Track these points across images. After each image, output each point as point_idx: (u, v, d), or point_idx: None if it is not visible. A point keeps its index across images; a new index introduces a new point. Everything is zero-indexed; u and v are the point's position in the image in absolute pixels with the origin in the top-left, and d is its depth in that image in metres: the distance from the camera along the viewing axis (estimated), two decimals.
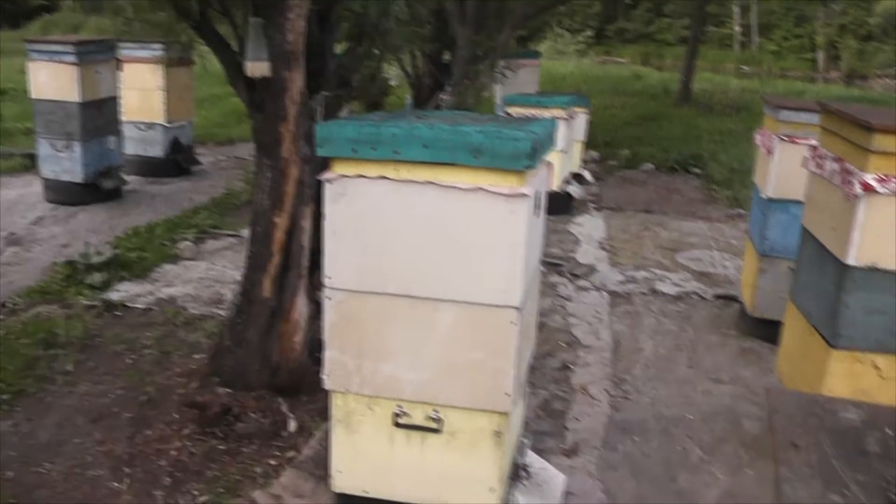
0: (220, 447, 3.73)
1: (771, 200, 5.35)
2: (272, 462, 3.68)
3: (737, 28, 30.64)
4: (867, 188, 3.50)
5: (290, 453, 3.74)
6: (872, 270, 3.63)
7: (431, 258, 2.81)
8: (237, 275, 6.02)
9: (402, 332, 2.90)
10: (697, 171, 11.48)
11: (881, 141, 3.46)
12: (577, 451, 4.00)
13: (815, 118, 5.11)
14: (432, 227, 2.78)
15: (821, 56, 27.99)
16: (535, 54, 13.22)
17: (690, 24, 17.70)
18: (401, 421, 3.00)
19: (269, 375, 4.07)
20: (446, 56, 9.20)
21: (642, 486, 3.75)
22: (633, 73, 21.24)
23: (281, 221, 3.84)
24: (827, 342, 3.80)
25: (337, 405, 3.05)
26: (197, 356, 4.59)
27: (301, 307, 4.07)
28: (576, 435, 4.15)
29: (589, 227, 8.44)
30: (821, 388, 3.79)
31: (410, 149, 2.70)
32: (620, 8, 31.79)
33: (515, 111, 8.40)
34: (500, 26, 9.01)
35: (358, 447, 3.07)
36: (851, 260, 3.62)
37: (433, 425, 2.98)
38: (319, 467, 3.60)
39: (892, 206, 3.54)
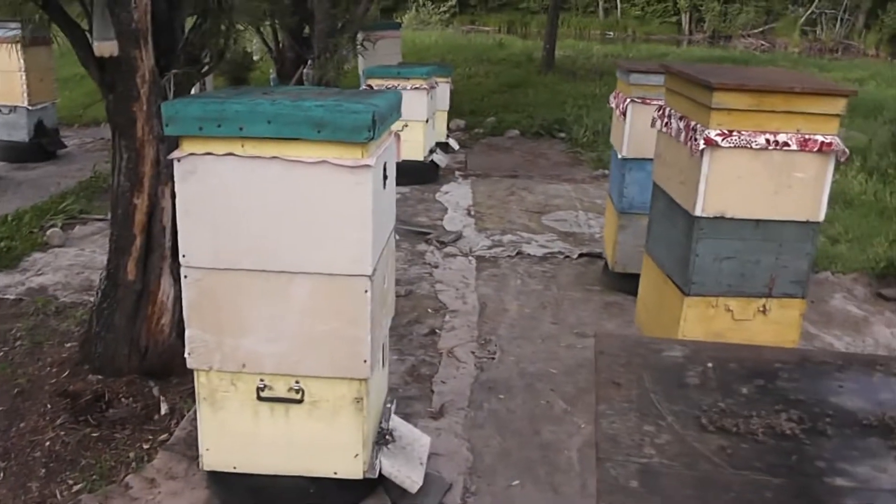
0: (94, 434, 3.68)
1: (626, 160, 5.56)
2: (145, 446, 3.65)
3: None
4: (710, 143, 3.68)
5: (163, 436, 3.72)
6: (719, 219, 3.84)
7: (282, 232, 2.83)
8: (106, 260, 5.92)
9: (259, 307, 2.92)
10: (562, 135, 11.74)
11: (720, 98, 3.64)
12: (443, 413, 4.10)
13: (663, 80, 5.35)
14: (281, 201, 2.80)
15: (685, 19, 28.80)
16: (397, 25, 13.22)
17: None
18: (264, 394, 3.03)
19: (138, 359, 4.02)
20: (306, 30, 9.11)
21: (507, 441, 3.88)
22: (497, 42, 21.41)
23: (141, 203, 3.79)
24: (680, 290, 4.01)
25: (201, 383, 3.05)
26: (69, 345, 4.47)
27: (167, 288, 4.03)
28: (442, 397, 4.25)
29: (456, 195, 8.53)
30: (677, 333, 4.00)
31: (255, 125, 2.71)
32: None
33: (376, 83, 8.40)
34: None
35: (224, 424, 3.08)
36: (699, 211, 3.81)
37: (295, 396, 3.01)
38: (192, 448, 3.58)
39: (733, 159, 3.74)
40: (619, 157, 5.58)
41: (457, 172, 9.54)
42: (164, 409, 3.88)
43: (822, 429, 1.64)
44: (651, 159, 5.45)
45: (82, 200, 7.37)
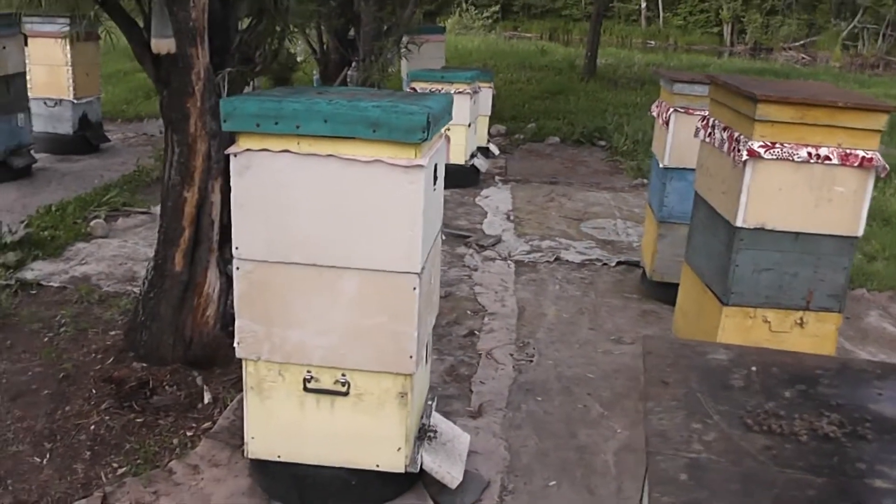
0: (138, 420, 3.79)
1: (667, 169, 5.59)
2: (188, 433, 3.75)
3: (643, 3, 31.14)
4: (753, 154, 3.72)
5: (206, 424, 3.82)
6: (760, 231, 3.87)
7: (334, 228, 2.91)
8: (150, 252, 5.99)
9: (309, 300, 3.00)
10: (602, 143, 11.77)
11: (764, 110, 3.68)
12: (482, 413, 4.16)
13: (707, 90, 5.38)
14: (334, 198, 2.88)
15: (726, 30, 28.67)
16: (441, 30, 13.31)
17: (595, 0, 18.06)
18: (310, 386, 3.11)
19: (183, 349, 4.13)
20: (351, 32, 9.22)
21: (544, 443, 3.93)
22: (539, 49, 21.45)
23: (190, 196, 3.89)
24: (719, 299, 4.05)
25: (249, 372, 3.14)
26: (112, 332, 4.60)
27: (213, 281, 4.13)
28: (481, 397, 4.31)
29: (495, 199, 8.60)
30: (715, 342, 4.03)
31: (311, 123, 2.79)
32: None
33: (420, 86, 8.50)
34: (404, 2, 9.09)
35: (271, 413, 3.17)
36: (740, 221, 3.85)
37: (341, 389, 3.09)
38: (235, 437, 3.70)
39: (775, 171, 3.78)
40: (661, 165, 5.61)
41: (497, 177, 9.60)
42: (207, 398, 3.98)
43: (863, 433, 1.68)
44: (692, 169, 5.49)
45: (125, 193, 7.53)
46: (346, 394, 3.10)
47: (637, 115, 12.89)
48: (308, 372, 3.10)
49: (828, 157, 3.77)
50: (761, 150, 3.73)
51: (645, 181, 9.59)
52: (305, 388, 3.11)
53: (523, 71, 17.20)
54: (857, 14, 23.37)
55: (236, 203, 2.93)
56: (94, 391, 3.97)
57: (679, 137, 5.51)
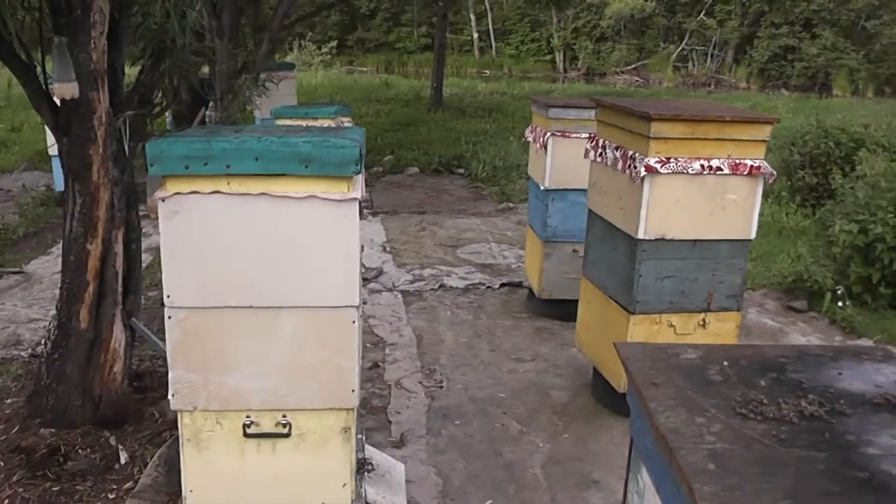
0: (54, 489, 3.56)
1: (549, 191, 5.79)
2: (111, 496, 3.56)
3: (475, 34, 32.06)
4: (650, 170, 3.93)
5: (127, 485, 3.63)
6: (660, 241, 4.08)
7: (270, 268, 2.86)
8: (30, 312, 5.72)
9: (246, 343, 2.93)
10: (461, 170, 12.00)
11: (658, 127, 3.90)
12: (404, 442, 4.17)
13: (583, 113, 5.65)
14: (268, 237, 2.84)
15: (559, 57, 29.90)
16: (291, 66, 13.23)
17: (434, 32, 18.32)
18: (250, 431, 3.02)
19: (92, 410, 3.92)
20: (202, 71, 9.01)
21: (472, 465, 3.97)
22: (384, 81, 21.73)
23: (94, 248, 3.72)
24: (625, 309, 4.22)
25: (185, 424, 3.02)
26: (9, 400, 4.29)
27: (118, 336, 3.96)
28: (400, 427, 4.32)
29: (368, 232, 8.56)
30: None
31: (242, 162, 2.75)
32: (359, 18, 32.41)
33: (285, 123, 8.41)
34: (258, 39, 9.00)
35: (209, 463, 3.06)
36: (642, 234, 4.05)
37: (283, 430, 3.03)
38: (160, 493, 3.54)
39: (671, 184, 4.01)
40: (542, 188, 5.79)
41: (364, 210, 9.57)
42: (123, 458, 3.79)
43: (841, 409, 1.82)
44: (574, 189, 5.75)
45: None
46: (287, 435, 3.04)
47: (490, 141, 13.24)
48: (247, 417, 3.02)
49: (719, 168, 4.03)
50: (657, 166, 3.95)
51: (510, 205, 9.89)
52: (245, 434, 3.03)
53: (371, 104, 17.34)
54: (685, 38, 24.91)
55: (166, 249, 2.84)
56: (1, 464, 3.70)
57: (558, 160, 5.72)
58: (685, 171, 4.00)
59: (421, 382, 4.85)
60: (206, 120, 8.42)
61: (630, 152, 4.10)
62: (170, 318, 2.91)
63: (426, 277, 7.00)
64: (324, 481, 3.10)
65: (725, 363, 2.07)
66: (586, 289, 4.74)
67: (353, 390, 2.99)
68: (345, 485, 3.11)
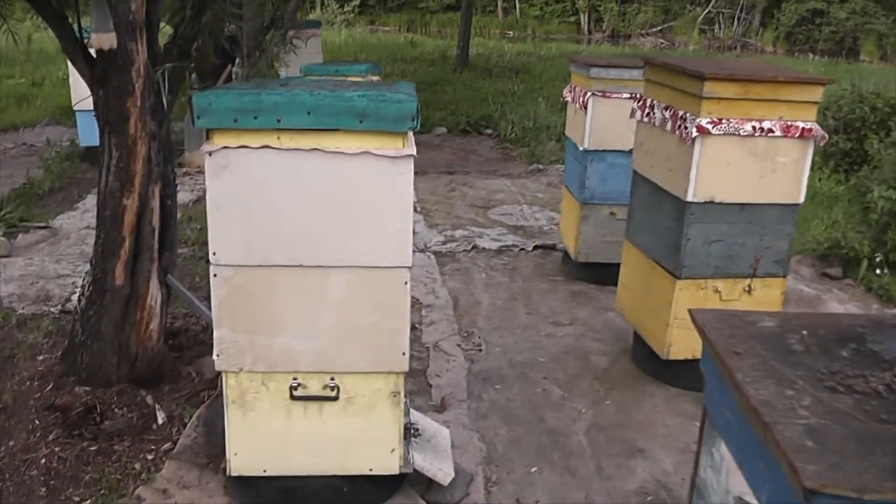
0: (92, 448, 3.52)
1: (587, 152, 5.65)
2: (149, 456, 3.51)
3: None
4: (702, 130, 3.80)
5: (166, 445, 3.59)
6: (709, 204, 3.97)
7: (320, 226, 2.78)
8: (59, 268, 5.67)
9: (295, 304, 2.86)
10: (489, 131, 11.85)
11: (711, 87, 3.77)
12: (446, 406, 4.10)
13: (625, 73, 5.50)
14: (318, 194, 2.75)
15: (583, 19, 29.43)
16: (317, 24, 13.05)
17: None
18: (297, 393, 2.96)
19: (128, 368, 3.86)
20: (228, 28, 8.86)
21: (515, 430, 3.91)
22: (409, 41, 21.44)
23: (130, 203, 3.63)
24: (671, 273, 4.12)
25: (230, 385, 2.96)
26: (41, 357, 4.25)
27: (154, 293, 3.89)
28: (441, 391, 4.25)
29: None
30: (668, 316, 4.12)
31: (294, 116, 2.65)
32: None
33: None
34: None
35: (254, 426, 3.00)
36: (690, 196, 3.93)
37: (330, 393, 2.97)
38: (200, 455, 3.50)
39: (722, 146, 3.88)
40: (581, 149, 5.66)
41: None
42: (160, 417, 3.74)
43: None
44: (613, 151, 5.61)
45: (21, 208, 6.99)
46: (335, 398, 2.98)
47: (518, 102, 13.04)
48: (294, 379, 2.95)
49: (771, 130, 3.90)
50: (709, 127, 3.82)
51: (540, 166, 9.74)
52: (292, 397, 2.97)
53: (396, 63, 17.12)
54: (711, 0, 24.49)
55: (213, 205, 2.75)
56: (37, 422, 3.66)
57: (598, 120, 5.58)
58: (737, 132, 3.87)
59: (459, 345, 4.77)
60: (233, 77, 8.28)
61: (680, 112, 3.97)
62: (215, 276, 2.83)
63: (458, 238, 6.91)
64: (371, 446, 3.04)
65: (804, 332, 1.97)
66: (629, 252, 4.63)
67: (403, 353, 2.92)
68: (393, 450, 3.05)
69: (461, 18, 17.69)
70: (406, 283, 2.85)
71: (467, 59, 16.83)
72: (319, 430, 3.01)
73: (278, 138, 2.69)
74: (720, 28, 24.66)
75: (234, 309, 2.86)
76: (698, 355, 4.34)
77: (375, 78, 9.67)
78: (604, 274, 5.86)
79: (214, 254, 2.81)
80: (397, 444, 3.05)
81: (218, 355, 2.92)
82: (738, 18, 24.50)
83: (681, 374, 4.32)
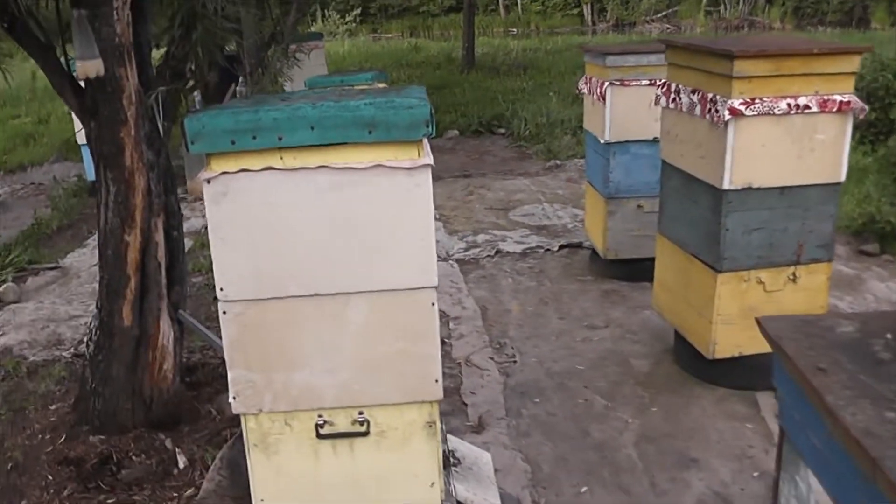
0: (110, 501, 3.30)
1: (609, 144, 5.40)
2: None
3: None
4: (735, 113, 3.55)
5: (189, 491, 3.38)
6: (747, 191, 3.72)
7: (335, 250, 2.54)
8: (70, 309, 5.48)
9: (313, 336, 2.62)
10: (502, 130, 11.60)
11: (742, 66, 3.53)
12: (483, 426, 3.88)
13: (643, 59, 5.25)
14: (331, 215, 2.51)
15: (587, 10, 29.06)
16: (319, 36, 12.85)
17: None
18: (324, 431, 2.73)
19: (143, 412, 3.66)
20: (228, 47, 8.68)
21: (559, 447, 3.67)
22: (412, 46, 21.20)
23: (133, 239, 3.42)
24: (711, 267, 3.87)
25: (250, 428, 2.73)
26: (53, 407, 4.05)
27: (166, 331, 3.68)
28: (477, 409, 4.02)
29: None
30: (711, 312, 3.87)
31: (296, 132, 2.41)
32: None
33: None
34: (284, 10, 8.64)
35: (280, 469, 2.77)
36: (727, 184, 3.68)
37: (360, 429, 2.73)
38: (225, 499, 3.27)
39: (757, 127, 3.63)
40: (602, 142, 5.41)
41: None
42: (181, 462, 3.53)
43: None
44: (636, 141, 5.37)
45: (30, 250, 6.79)
46: (366, 433, 2.73)
47: (528, 99, 12.77)
48: (319, 416, 2.71)
49: (807, 106, 3.65)
50: (742, 108, 3.58)
51: (558, 162, 9.49)
52: (318, 435, 2.73)
53: (402, 69, 16.90)
54: None
55: (216, 236, 2.52)
56: (50, 477, 3.45)
57: (618, 111, 5.33)
58: (771, 111, 3.62)
59: (492, 358, 4.53)
60: (237, 96, 8.09)
61: (710, 95, 3.72)
62: (224, 313, 2.60)
63: (480, 244, 6.67)
64: (409, 482, 2.80)
65: (889, 336, 1.73)
66: (663, 247, 4.38)
67: (436, 380, 2.67)
68: (433, 484, 2.81)
69: (464, 19, 17.44)
70: (433, 304, 2.61)
71: (473, 59, 16.58)
72: (351, 469, 2.78)
73: (281, 158, 2.46)
74: (726, 8, 24.24)
75: (248, 347, 2.63)
76: (745, 352, 4.12)
77: (382, 85, 9.47)
78: (635, 270, 5.61)
79: (222, 289, 2.58)
80: (437, 478, 2.81)
81: (234, 398, 2.69)
82: None
83: (727, 373, 4.07)
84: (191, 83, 3.70)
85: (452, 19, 30.34)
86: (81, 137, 7.64)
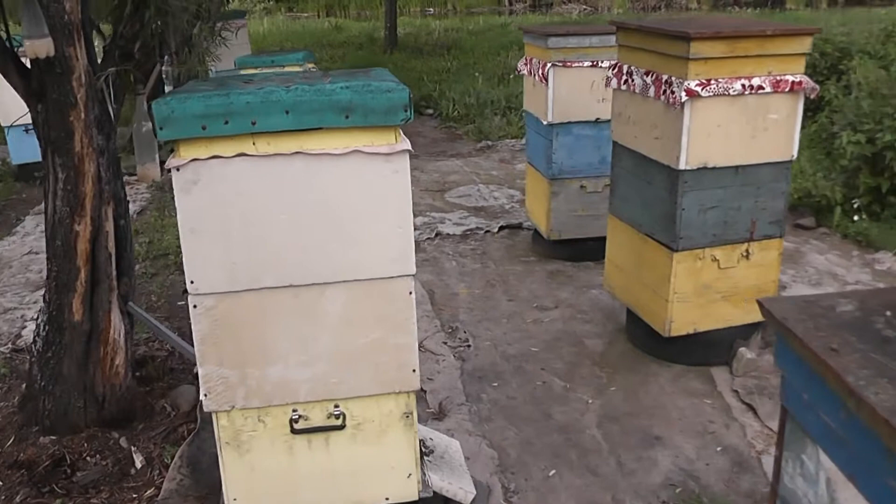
0: None
1: (552, 126, 5.40)
2: None
3: None
4: (691, 94, 3.57)
5: (149, 491, 3.25)
6: (702, 170, 3.76)
7: (310, 239, 2.46)
8: (3, 301, 5.23)
9: (288, 328, 2.54)
10: (430, 111, 11.53)
11: (698, 48, 3.54)
12: (445, 412, 3.83)
13: (584, 41, 5.26)
14: (306, 203, 2.43)
15: None
16: (242, 14, 12.52)
17: None
18: (298, 426, 2.65)
19: (96, 410, 3.51)
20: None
21: (524, 431, 3.66)
22: (333, 26, 20.88)
23: (83, 229, 3.26)
24: (667, 247, 3.90)
25: (222, 426, 2.63)
26: None
27: (117, 324, 3.53)
28: (436, 395, 3.98)
29: None
30: (667, 290, 3.91)
31: (270, 117, 2.32)
32: None
33: (250, 72, 7.88)
34: None
35: (254, 466, 2.68)
36: (683, 164, 3.71)
37: (336, 423, 2.67)
38: (188, 499, 3.18)
39: (712, 108, 3.66)
40: (545, 123, 5.40)
41: None
42: (138, 461, 3.39)
43: None
44: (578, 122, 5.37)
45: None
46: (341, 427, 2.68)
47: (454, 79, 12.72)
48: (294, 411, 2.65)
49: (761, 87, 3.70)
50: (699, 89, 3.60)
51: (489, 143, 9.47)
52: (293, 430, 2.66)
53: (324, 49, 16.62)
54: None
55: (186, 227, 2.41)
56: (1, 483, 3.27)
57: (560, 92, 5.33)
58: (726, 92, 3.66)
59: (446, 343, 4.49)
60: (164, 77, 7.81)
61: (664, 77, 3.73)
62: (195, 307, 2.50)
63: (419, 226, 6.60)
64: (386, 474, 2.76)
65: (888, 313, 1.76)
66: (615, 228, 4.40)
67: (413, 370, 2.64)
68: (410, 475, 2.77)
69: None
70: (410, 292, 2.56)
71: (396, 39, 16.42)
72: (327, 464, 2.71)
73: (254, 144, 2.37)
74: None
75: (220, 342, 2.54)
76: (700, 329, 4.16)
77: (311, 65, 9.30)
78: (578, 250, 5.65)
79: (192, 282, 2.47)
80: (414, 469, 2.77)
81: (206, 395, 2.59)
82: None
83: (683, 350, 4.12)
84: (141, 64, 3.52)
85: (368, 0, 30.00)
86: (6, 119, 7.30)
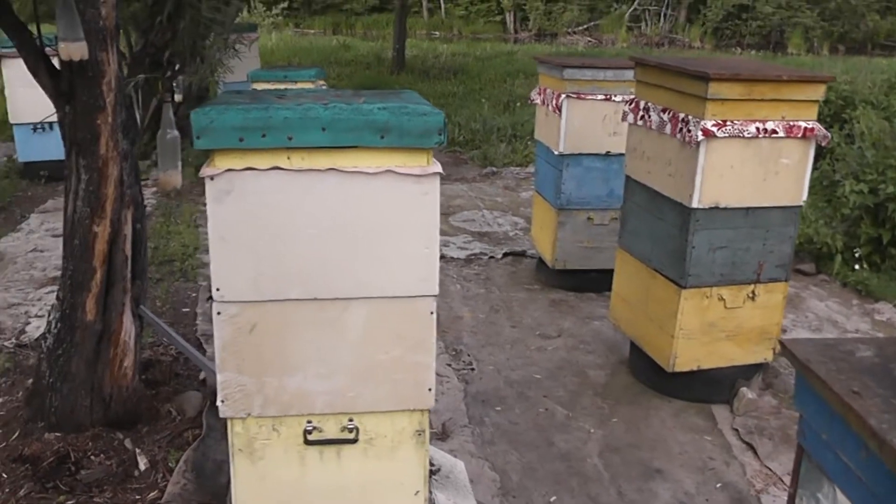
0: (69, 502, 3.17)
1: (563, 156, 5.46)
2: None
3: None
4: (707, 133, 3.64)
5: (152, 494, 3.27)
6: (714, 210, 3.82)
7: (338, 254, 2.51)
8: (8, 297, 5.25)
9: (309, 341, 2.58)
10: None
11: (716, 88, 3.61)
12: (448, 433, 3.87)
13: (599, 74, 5.33)
14: (336, 218, 2.48)
15: (509, 18, 29.30)
16: (253, 27, 12.60)
17: None
18: (312, 437, 2.68)
19: (102, 410, 3.52)
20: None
21: (526, 456, 3.69)
22: (341, 44, 21.03)
23: (102, 230, 3.29)
24: (675, 283, 3.95)
25: (236, 433, 2.66)
26: (0, 400, 3.86)
27: (128, 327, 3.55)
28: (440, 416, 4.01)
29: None
30: (674, 327, 3.96)
31: (307, 133, 2.37)
32: None
33: (263, 87, 7.95)
34: None
35: (264, 476, 2.71)
36: (696, 202, 3.77)
37: (349, 436, 2.70)
38: (191, 503, 3.19)
39: (727, 149, 3.74)
40: (556, 153, 5.47)
41: None
42: (142, 463, 3.41)
43: None
44: (589, 154, 5.44)
45: None
46: (354, 440, 2.70)
47: (460, 104, 12.83)
48: (309, 422, 2.67)
49: (774, 131, 3.77)
50: (715, 129, 3.67)
51: (494, 169, 9.55)
52: (306, 441, 2.68)
53: (332, 67, 16.73)
54: None
55: (216, 235, 2.45)
56: (4, 476, 3.29)
57: (573, 123, 5.40)
58: (741, 134, 3.73)
59: (450, 365, 4.53)
60: (174, 87, 7.85)
61: (681, 115, 3.80)
62: (219, 314, 2.53)
63: None
64: (394, 490, 2.78)
65: None
66: (624, 261, 4.45)
67: (429, 389, 2.67)
68: (417, 492, 2.79)
69: (396, 20, 17.38)
70: (432, 312, 2.60)
71: (403, 61, 16.55)
72: (337, 476, 2.74)
73: (289, 158, 2.41)
74: (647, 25, 24.85)
75: (241, 349, 2.57)
76: (704, 366, 4.20)
77: (321, 83, 9.38)
78: (582, 281, 5.70)
79: (218, 289, 2.51)
80: (422, 486, 2.79)
81: (223, 401, 2.62)
82: (665, 15, 24.73)
83: (685, 386, 4.17)
84: (170, 72, 3.57)
85: (375, 19, 30.22)
86: (14, 117, 7.33)
